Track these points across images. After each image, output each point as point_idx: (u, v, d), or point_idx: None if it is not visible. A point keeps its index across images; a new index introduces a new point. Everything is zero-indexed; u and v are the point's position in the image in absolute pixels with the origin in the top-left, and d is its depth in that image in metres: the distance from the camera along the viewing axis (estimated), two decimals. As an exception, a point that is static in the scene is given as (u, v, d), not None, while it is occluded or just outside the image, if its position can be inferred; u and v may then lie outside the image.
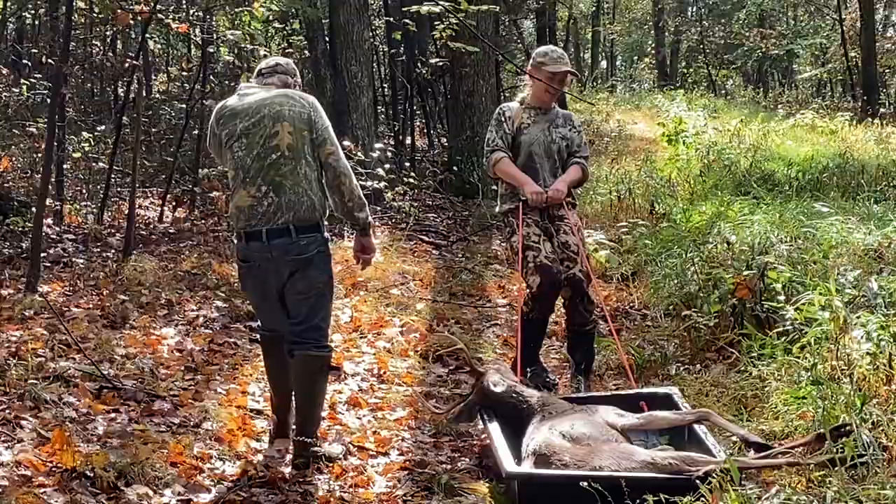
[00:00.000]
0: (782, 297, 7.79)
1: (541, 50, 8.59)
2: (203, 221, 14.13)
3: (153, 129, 17.97)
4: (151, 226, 13.79)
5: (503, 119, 8.32)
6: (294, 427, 6.54)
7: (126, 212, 11.99)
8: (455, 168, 17.83)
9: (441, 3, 12.53)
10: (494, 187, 8.80)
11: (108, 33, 19.98)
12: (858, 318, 6.89)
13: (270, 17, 16.97)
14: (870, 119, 26.33)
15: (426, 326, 9.55)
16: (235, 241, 6.82)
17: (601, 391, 7.89)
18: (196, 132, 15.48)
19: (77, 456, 5.61)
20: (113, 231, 12.93)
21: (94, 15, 17.84)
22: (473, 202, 16.87)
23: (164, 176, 15.49)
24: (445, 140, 21.35)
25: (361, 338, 9.10)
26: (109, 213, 13.72)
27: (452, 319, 9.92)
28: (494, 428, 6.50)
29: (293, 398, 6.60)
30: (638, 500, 5.32)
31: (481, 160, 17.07)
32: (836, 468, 5.46)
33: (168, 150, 16.53)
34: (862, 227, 10.64)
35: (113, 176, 13.68)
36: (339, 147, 6.63)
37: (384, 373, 8.21)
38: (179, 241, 12.82)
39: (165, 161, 15.94)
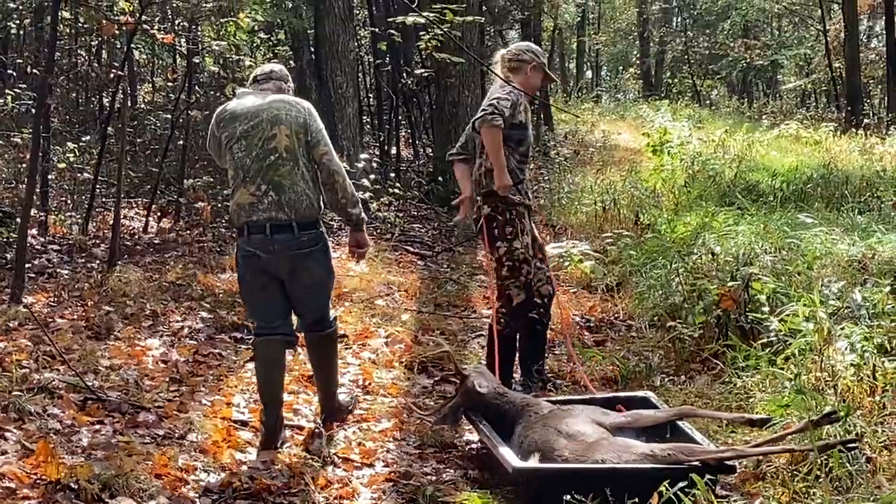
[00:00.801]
0: (767, 309, 7.82)
1: (536, 48, 8.47)
2: (188, 232, 14.10)
3: (138, 140, 17.98)
4: (136, 236, 13.77)
5: (517, 104, 8.01)
6: (322, 406, 7.35)
7: (111, 222, 11.98)
8: (440, 178, 17.80)
9: (426, 14, 12.54)
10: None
11: (93, 44, 19.96)
12: (842, 329, 6.91)
13: (256, 28, 16.97)
14: (854, 129, 26.39)
15: (411, 337, 9.54)
16: (237, 237, 7.31)
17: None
18: (181, 142, 15.47)
19: (61, 468, 5.61)
20: (98, 242, 12.92)
21: (80, 25, 17.84)
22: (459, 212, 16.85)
23: (149, 186, 15.48)
24: (431, 150, 21.34)
25: (346, 348, 9.08)
26: (94, 224, 13.71)
27: (437, 330, 9.90)
28: (488, 429, 6.64)
29: (316, 378, 7.43)
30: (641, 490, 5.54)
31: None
32: (826, 453, 5.58)
33: (153, 161, 16.52)
34: (846, 237, 10.67)
35: (98, 186, 13.66)
36: (332, 148, 7.12)
37: (369, 384, 8.20)
38: (164, 251, 12.80)
39: (150, 171, 15.93)
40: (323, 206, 7.17)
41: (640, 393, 7.43)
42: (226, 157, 7.11)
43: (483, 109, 7.88)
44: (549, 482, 5.96)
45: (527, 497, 6.04)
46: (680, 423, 6.56)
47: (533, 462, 6.17)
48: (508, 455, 6.19)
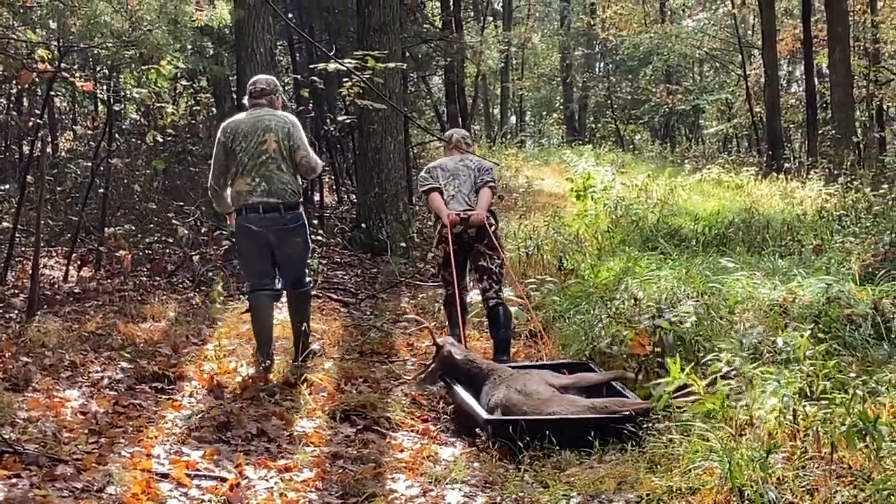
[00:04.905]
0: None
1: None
2: (109, 281, 13.97)
3: (58, 188, 17.81)
4: (56, 286, 13.62)
5: None
6: (297, 345, 9.97)
7: (30, 272, 11.84)
8: (364, 225, 17.80)
9: (346, 63, 12.57)
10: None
11: (12, 91, 19.79)
12: (763, 373, 6.95)
13: (178, 75, 16.88)
14: (775, 174, 26.62)
15: (334, 385, 9.49)
16: (235, 216, 9.80)
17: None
18: (102, 191, 15.33)
19: (-25, 524, 5.50)
20: (16, 291, 12.77)
21: (-1, 73, 17.70)
22: (382, 259, 16.82)
23: (69, 235, 15.34)
24: (354, 197, 21.32)
25: (269, 397, 9.01)
26: (13, 273, 13.56)
27: (361, 378, 9.86)
28: (462, 390, 8.65)
29: (293, 326, 10.04)
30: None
31: (389, 217, 17.13)
32: None
33: (73, 209, 16.38)
34: (767, 282, 10.73)
35: (17, 235, 13.52)
36: (310, 149, 9.78)
37: (291, 433, 8.14)
38: (85, 301, 12.67)
39: (71, 220, 15.80)
40: (301, 193, 9.81)
41: (582, 362, 9.57)
42: (230, 156, 9.61)
43: (494, 179, 10.89)
44: (513, 430, 7.60)
45: (494, 441, 7.64)
46: (614, 383, 8.58)
47: (498, 415, 8.02)
48: (479, 409, 8.18)
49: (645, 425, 7.48)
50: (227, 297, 12.87)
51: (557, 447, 7.47)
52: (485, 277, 10.59)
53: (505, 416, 7.95)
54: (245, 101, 10.01)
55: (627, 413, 7.64)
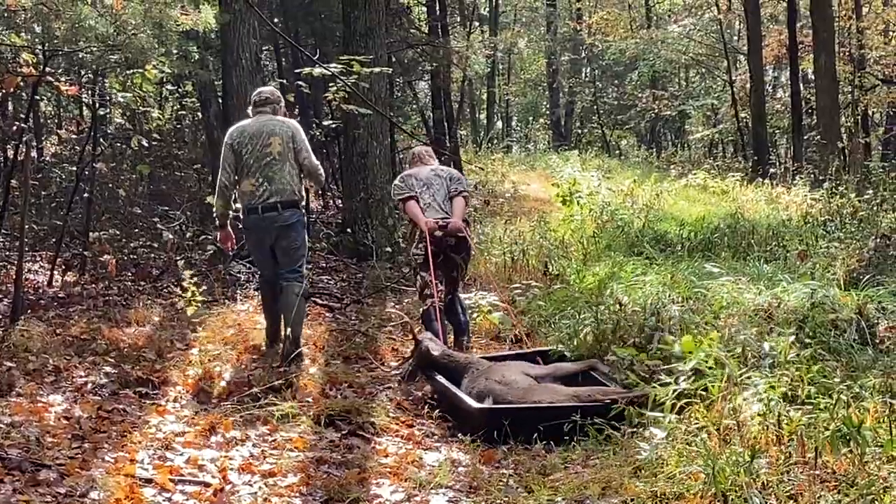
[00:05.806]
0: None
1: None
2: (93, 286, 13.93)
3: (43, 192, 17.76)
4: (40, 290, 13.58)
5: None
6: (286, 335, 10.14)
7: (14, 276, 11.80)
8: (349, 230, 17.74)
9: (332, 68, 12.57)
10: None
11: (-4, 96, 19.77)
12: (749, 378, 6.94)
13: (163, 79, 16.83)
14: (760, 179, 26.63)
15: (319, 390, 9.47)
16: (240, 215, 10.54)
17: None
18: (86, 195, 15.29)
19: (-43, 530, 5.48)
20: (0, 296, 12.72)
21: (-17, 78, 17.63)
22: (367, 264, 16.76)
23: (53, 239, 15.29)
24: (340, 201, 21.28)
25: (253, 401, 8.99)
26: (-3, 278, 13.52)
27: (345, 383, 9.84)
28: (446, 381, 9.03)
29: (284, 317, 10.27)
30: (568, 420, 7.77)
31: (375, 222, 17.08)
32: None
33: (58, 214, 16.33)
34: (752, 287, 10.74)
35: (1, 240, 13.47)
36: (311, 152, 10.53)
37: (276, 438, 8.11)
38: (69, 305, 12.63)
39: (55, 224, 15.75)
40: (303, 193, 10.59)
41: (551, 348, 10.00)
42: (237, 158, 10.32)
43: (466, 188, 11.50)
44: (502, 418, 7.97)
45: (483, 429, 7.98)
46: (592, 372, 9.02)
47: (488, 403, 8.32)
48: (469, 399, 8.46)
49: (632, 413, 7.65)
50: (211, 302, 12.85)
51: (542, 441, 7.82)
52: (447, 285, 11.27)
53: (494, 406, 8.31)
54: (249, 110, 10.76)
55: (609, 401, 7.88)
